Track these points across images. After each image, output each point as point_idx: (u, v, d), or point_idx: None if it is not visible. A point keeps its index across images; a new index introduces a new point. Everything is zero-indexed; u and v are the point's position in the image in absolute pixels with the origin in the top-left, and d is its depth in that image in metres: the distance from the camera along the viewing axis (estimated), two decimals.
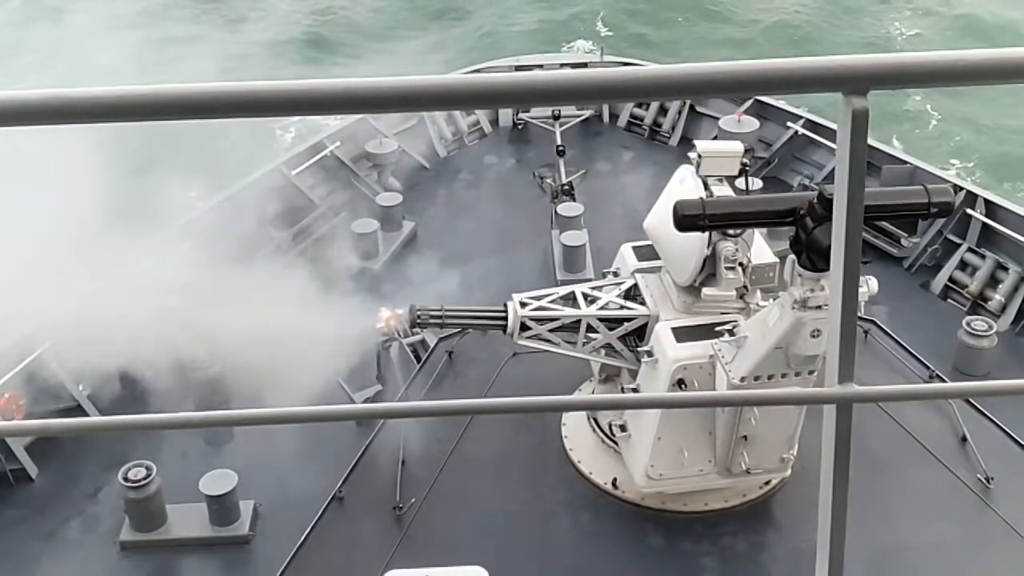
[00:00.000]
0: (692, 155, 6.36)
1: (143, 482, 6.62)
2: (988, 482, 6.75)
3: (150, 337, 7.91)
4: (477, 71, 10.90)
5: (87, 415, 7.46)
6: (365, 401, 7.51)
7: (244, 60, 17.87)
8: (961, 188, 9.38)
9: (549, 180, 10.15)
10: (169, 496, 6.79)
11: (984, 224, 9.06)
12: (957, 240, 9.20)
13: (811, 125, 10.50)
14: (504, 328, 6.60)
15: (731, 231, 6.17)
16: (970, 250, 9.13)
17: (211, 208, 9.17)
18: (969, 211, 9.15)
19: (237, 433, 7.48)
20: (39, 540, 6.87)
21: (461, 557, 5.81)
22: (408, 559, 6.04)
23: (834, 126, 9.16)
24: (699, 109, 11.22)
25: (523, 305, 6.59)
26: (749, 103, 10.71)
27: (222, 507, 6.71)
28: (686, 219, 5.54)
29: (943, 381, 7.40)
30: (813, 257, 5.30)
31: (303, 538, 6.49)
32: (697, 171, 6.28)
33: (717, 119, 10.61)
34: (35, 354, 7.50)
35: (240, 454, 7.23)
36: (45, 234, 7.02)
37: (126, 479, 6.65)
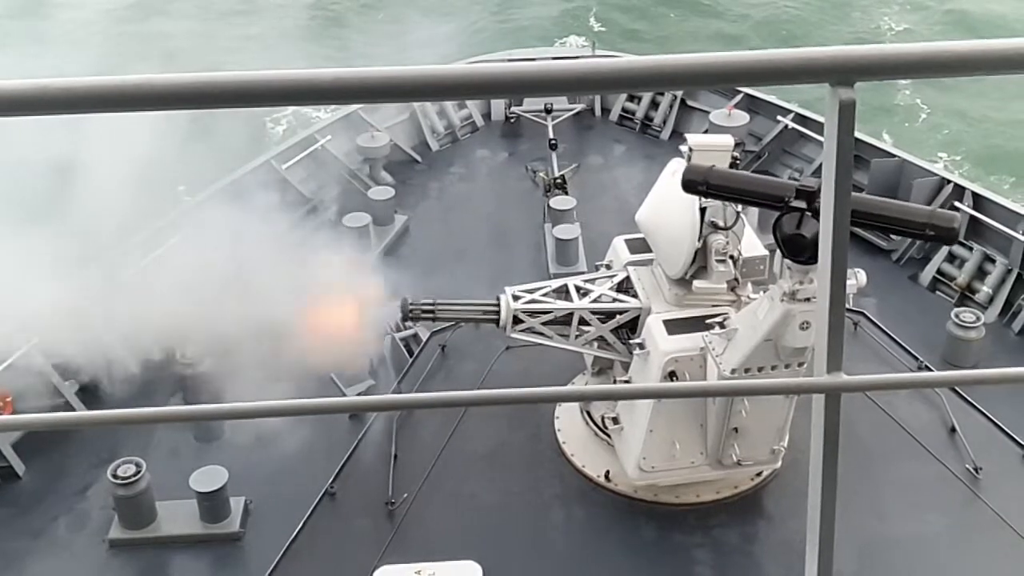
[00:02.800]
0: (683, 148, 6.37)
1: (132, 479, 6.58)
2: (977, 472, 6.80)
3: (138, 332, 7.87)
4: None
5: (75, 411, 7.41)
6: (357, 396, 7.49)
7: (234, 54, 17.77)
8: (949, 181, 9.44)
9: (541, 174, 10.15)
10: (159, 493, 6.76)
11: (972, 217, 9.11)
12: None
13: (801, 119, 10.53)
14: (497, 322, 6.61)
15: (722, 224, 6.20)
16: (958, 242, 9.18)
17: (200, 202, 9.14)
18: (957, 204, 9.20)
19: (227, 429, 7.45)
20: (27, 538, 6.82)
21: (454, 552, 5.82)
22: (401, 554, 6.04)
23: (823, 120, 9.13)
24: (690, 103, 11.24)
25: (516, 298, 6.60)
26: (740, 97, 10.72)
27: (213, 504, 6.68)
28: (689, 182, 5.71)
29: (932, 372, 7.44)
30: (779, 243, 5.36)
31: (294, 535, 6.47)
32: (688, 164, 6.29)
33: (708, 113, 10.62)
34: (22, 350, 7.45)
35: (231, 450, 7.20)
36: (32, 227, 6.97)
37: (115, 476, 6.61)
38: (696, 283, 6.33)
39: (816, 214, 5.15)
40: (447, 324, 7.69)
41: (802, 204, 5.17)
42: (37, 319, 7.28)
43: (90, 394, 7.85)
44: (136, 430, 7.32)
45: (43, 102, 1.33)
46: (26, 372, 7.47)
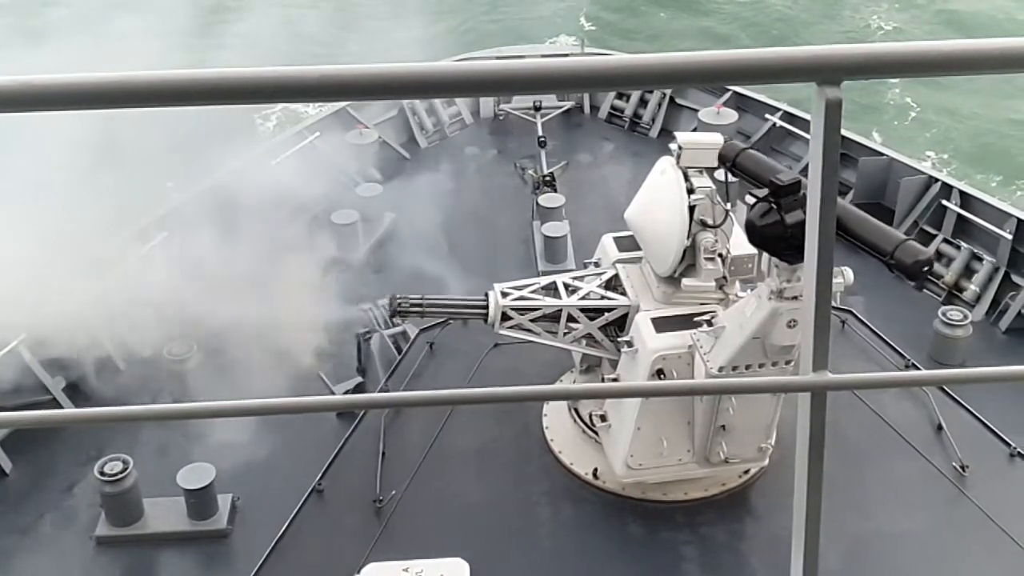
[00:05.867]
0: (673, 147, 6.38)
1: (119, 476, 6.55)
2: (963, 470, 6.84)
3: (127, 329, 7.83)
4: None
5: (62, 408, 7.36)
6: (345, 393, 7.48)
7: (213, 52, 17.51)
8: (936, 180, 9.49)
9: (530, 171, 10.15)
10: (146, 490, 6.72)
11: (959, 215, 9.17)
12: (933, 231, 9.31)
13: (789, 117, 10.57)
14: (485, 318, 6.60)
15: (711, 222, 6.22)
16: (945, 241, 9.24)
17: (188, 198, 9.09)
18: (944, 202, 9.26)
19: (215, 426, 7.42)
20: (14, 535, 6.78)
21: (442, 549, 5.82)
22: (388, 552, 6.03)
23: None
24: (679, 101, 11.26)
25: (504, 295, 6.60)
26: (728, 95, 10.75)
27: (200, 501, 6.65)
28: (722, 156, 6.02)
29: (918, 370, 7.49)
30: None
31: (282, 532, 6.45)
32: (677, 162, 6.30)
33: (696, 111, 10.65)
34: (9, 346, 7.39)
35: (218, 447, 7.17)
36: (20, 225, 6.91)
37: (102, 473, 6.57)
38: (685, 281, 6.34)
39: (780, 208, 5.19)
40: (435, 321, 7.68)
41: (767, 195, 5.21)
42: (25, 315, 7.22)
43: (77, 391, 7.79)
44: (123, 427, 7.28)
45: (26, 99, 1.32)
46: (13, 368, 7.41)
